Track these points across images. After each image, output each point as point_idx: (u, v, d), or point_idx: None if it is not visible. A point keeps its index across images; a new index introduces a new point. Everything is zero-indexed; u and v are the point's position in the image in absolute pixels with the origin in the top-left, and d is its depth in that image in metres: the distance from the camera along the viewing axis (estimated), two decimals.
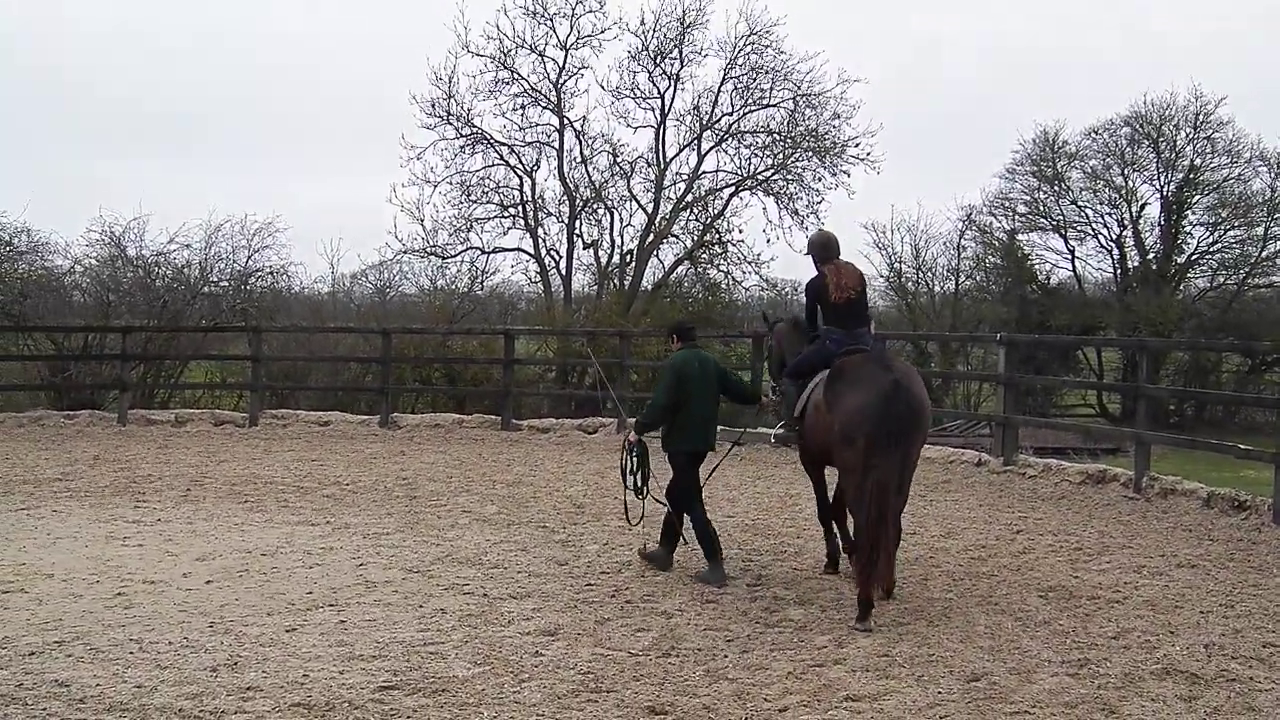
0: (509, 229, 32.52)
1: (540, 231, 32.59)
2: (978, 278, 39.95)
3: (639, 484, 10.45)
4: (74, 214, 64.18)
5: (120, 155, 67.74)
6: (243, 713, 6.62)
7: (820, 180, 31.98)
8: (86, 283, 28.97)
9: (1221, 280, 40.59)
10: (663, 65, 32.25)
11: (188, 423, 21.64)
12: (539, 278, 33.10)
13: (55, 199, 59.32)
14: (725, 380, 10.43)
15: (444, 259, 32.06)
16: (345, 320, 31.28)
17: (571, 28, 31.79)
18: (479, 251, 32.38)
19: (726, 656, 7.87)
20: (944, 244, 38.24)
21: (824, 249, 10.36)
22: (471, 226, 32.15)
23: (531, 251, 32.67)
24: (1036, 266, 40.92)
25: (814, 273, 10.30)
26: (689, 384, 10.11)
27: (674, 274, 32.80)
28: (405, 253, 32.18)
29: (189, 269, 28.64)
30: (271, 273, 29.44)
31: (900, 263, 36.60)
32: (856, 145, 31.57)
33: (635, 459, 10.45)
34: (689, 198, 32.49)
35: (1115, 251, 40.62)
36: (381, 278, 34.92)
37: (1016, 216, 40.09)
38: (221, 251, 28.78)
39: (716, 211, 32.55)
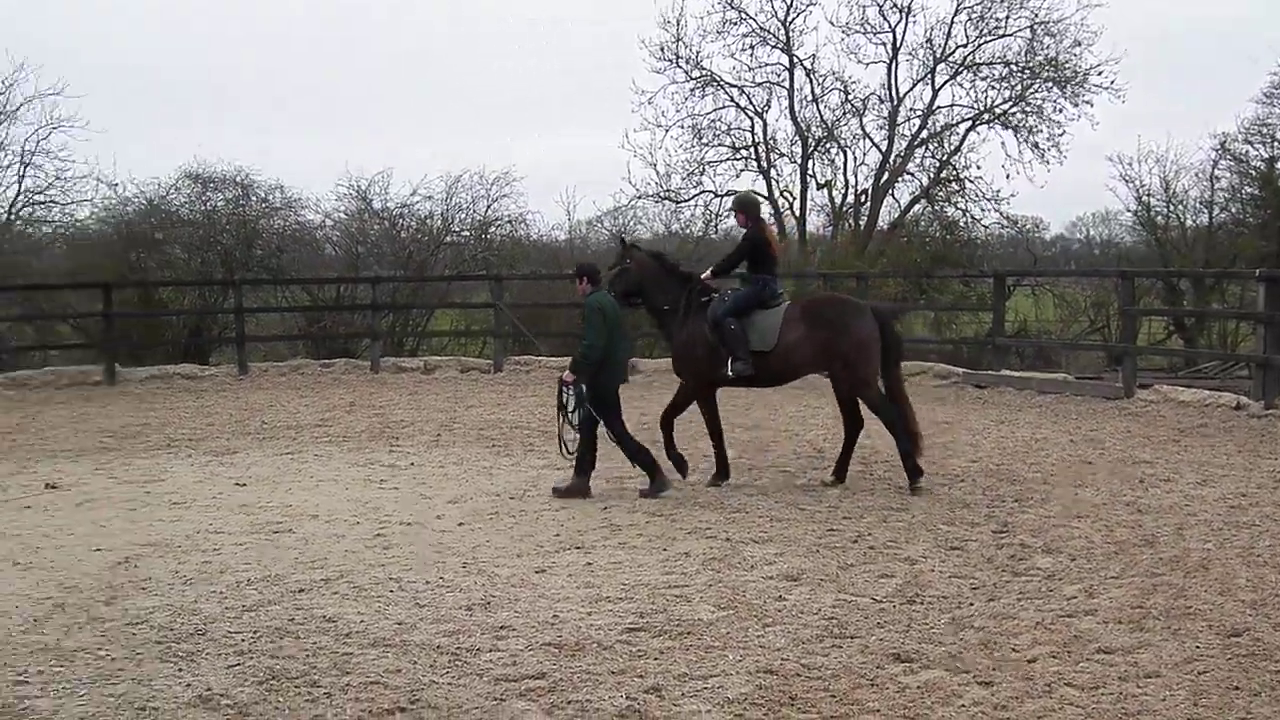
0: (741, 171, 32.36)
1: (773, 173, 32.30)
2: (1233, 210, 37.73)
3: (577, 420, 11.12)
4: (323, 171, 66.69)
5: (360, 117, 70.16)
6: (497, 650, 6.86)
7: (1061, 111, 30.71)
8: (337, 236, 30.32)
9: None
10: None
11: (436, 369, 22.49)
12: (773, 219, 32.86)
13: (306, 156, 61.83)
14: (624, 324, 11.44)
15: (678, 203, 32.11)
16: None
17: None
18: (712, 194, 32.30)
19: (972, 604, 7.76)
20: (1196, 175, 36.14)
21: (757, 207, 12.32)
22: (704, 169, 32.09)
23: (765, 193, 32.41)
24: None
25: (745, 226, 12.05)
26: (611, 323, 10.91)
27: (910, 213, 32.14)
28: (639, 198, 32.33)
29: (431, 220, 29.65)
30: (510, 221, 30.18)
31: (1149, 196, 34.80)
32: (1099, 73, 30.18)
33: (574, 398, 11.10)
34: (924, 134, 31.71)
35: None
36: (616, 223, 35.28)
37: (1276, 143, 37.67)
38: (462, 202, 29.69)
39: (953, 147, 31.66)
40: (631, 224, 34.44)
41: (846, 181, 32.33)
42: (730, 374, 11.65)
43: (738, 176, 32.28)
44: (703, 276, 12.20)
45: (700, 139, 31.88)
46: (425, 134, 66.81)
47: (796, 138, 31.98)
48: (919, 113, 31.76)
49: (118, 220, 27.95)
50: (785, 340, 11.60)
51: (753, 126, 32.13)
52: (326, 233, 30.31)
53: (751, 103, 32.02)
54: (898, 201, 32.13)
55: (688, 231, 32.02)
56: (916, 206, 32.01)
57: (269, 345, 27.13)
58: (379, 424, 16.23)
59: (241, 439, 15.12)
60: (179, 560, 9.02)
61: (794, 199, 32.41)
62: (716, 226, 32.77)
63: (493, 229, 29.92)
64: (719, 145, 32.09)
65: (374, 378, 22.12)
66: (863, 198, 32.18)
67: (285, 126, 65.23)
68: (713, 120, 31.96)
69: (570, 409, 11.18)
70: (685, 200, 32.27)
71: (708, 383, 12.00)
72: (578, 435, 11.20)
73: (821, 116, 31.88)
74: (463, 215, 29.86)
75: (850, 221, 32.20)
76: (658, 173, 32.22)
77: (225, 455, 13.94)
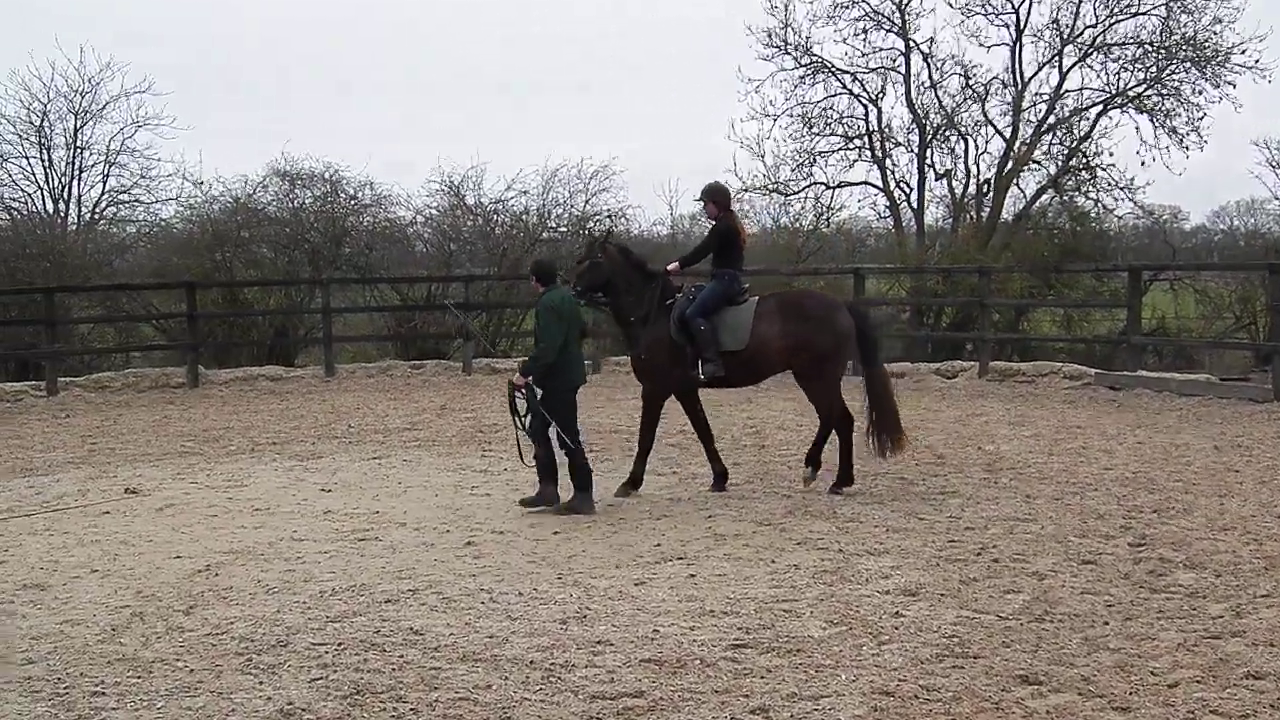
0: (854, 162, 32.10)
1: (888, 163, 32.01)
2: None
3: (529, 425, 11.04)
4: (414, 165, 67.37)
5: (457, 107, 71.01)
6: (593, 666, 6.83)
7: (1200, 93, 30.00)
8: (428, 233, 30.56)
9: None
10: None
11: None
12: (888, 212, 32.57)
13: (396, 151, 62.60)
14: (582, 320, 11.51)
15: (786, 196, 31.95)
16: None
17: None
18: (823, 186, 32.10)
19: (1107, 623, 7.56)
20: None
21: (727, 196, 12.37)
22: (814, 160, 31.90)
23: (879, 185, 32.14)
24: None
25: (714, 217, 12.20)
26: (566, 323, 10.95)
27: (1036, 203, 31.61)
28: (745, 190, 32.12)
29: (527, 216, 29.80)
30: (609, 216, 30.08)
31: None
32: (1242, 52, 29.42)
33: (526, 402, 11.00)
34: (1050, 120, 31.19)
35: None
36: None
37: None
38: (558, 197, 29.76)
39: (1082, 133, 31.08)
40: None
41: (968, 171, 31.94)
42: (701, 376, 11.77)
43: (850, 167, 32.06)
44: (668, 268, 12.34)
45: (810, 128, 31.71)
46: (519, 126, 67.33)
47: (913, 126, 31.68)
48: (1045, 97, 31.27)
49: (203, 219, 28.49)
50: (759, 337, 11.75)
51: (866, 114, 31.90)
52: (418, 230, 30.64)
53: (865, 90, 31.77)
54: (1023, 191, 31.66)
55: (797, 225, 31.82)
56: (1044, 197, 31.48)
57: (357, 346, 27.48)
58: (471, 428, 16.37)
59: (327, 443, 15.34)
60: (261, 569, 9.13)
61: (911, 190, 32.09)
62: (829, 219, 32.54)
63: (591, 224, 29.88)
64: (830, 134, 31.87)
65: (466, 379, 22.35)
66: (985, 188, 31.74)
67: (380, 123, 66.08)
68: (824, 108, 31.77)
69: (523, 413, 11.10)
70: (795, 193, 32.08)
71: (674, 387, 12.09)
72: (529, 440, 11.16)
73: (940, 103, 31.55)
74: (560, 210, 30.01)
75: (972, 213, 31.80)
76: (765, 164, 32.10)
77: (310, 460, 14.16)
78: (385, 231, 29.59)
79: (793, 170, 31.94)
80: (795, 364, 11.87)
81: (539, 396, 10.97)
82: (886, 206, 32.54)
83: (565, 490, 11.10)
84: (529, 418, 11.08)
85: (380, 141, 64.08)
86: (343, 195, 28.97)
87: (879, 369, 12.15)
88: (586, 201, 30.01)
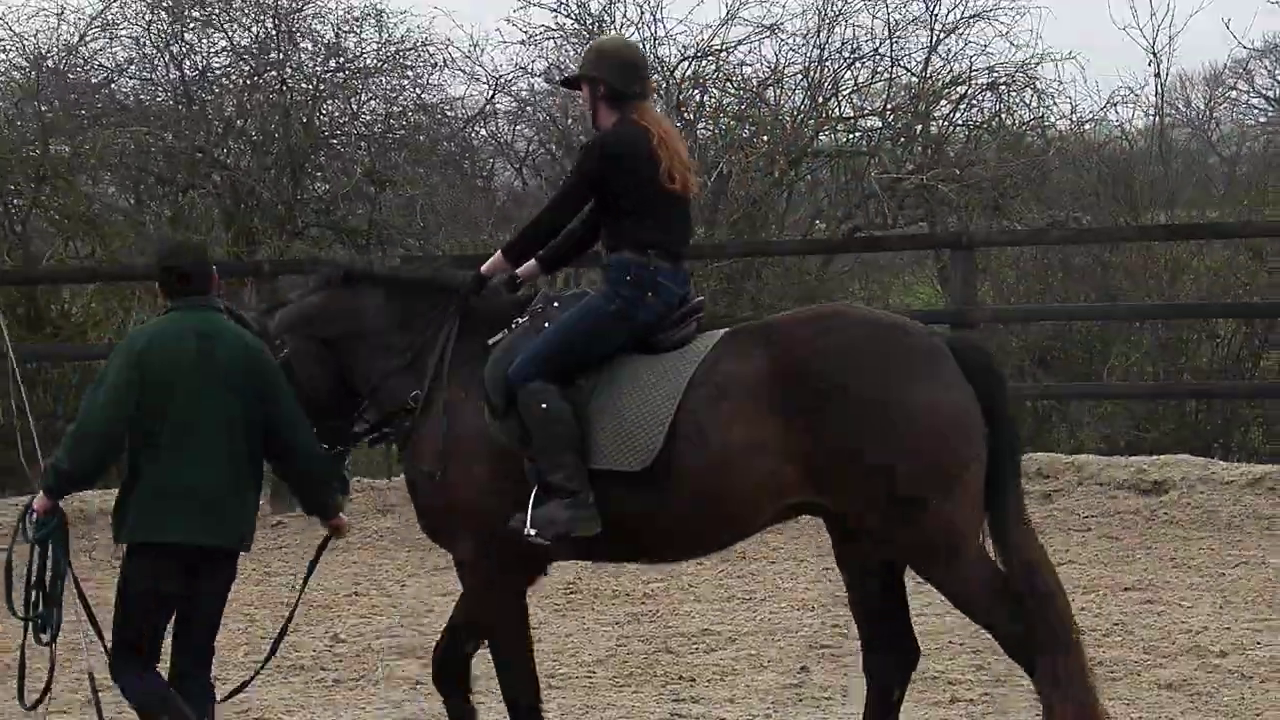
0: None
1: None
2: None
3: (44, 610, 10.73)
4: None
5: None
6: None
7: None
8: (526, 139, 30.29)
9: None
10: None
11: None
12: None
13: None
14: (275, 401, 10.66)
15: None
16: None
17: None
18: None
19: None
20: None
21: (631, 72, 11.53)
22: None
23: None
24: None
25: (597, 120, 11.53)
26: (165, 389, 10.39)
27: None
28: None
29: (781, 90, 29.19)
30: (1000, 83, 29.14)
31: None
32: None
33: (41, 554, 10.69)
34: None
35: None
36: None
37: None
38: (860, 39, 29.30)
39: None
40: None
41: None
42: (530, 531, 10.70)
43: None
44: (484, 268, 11.78)
45: None
46: None
47: None
48: None
49: None
50: (718, 439, 10.62)
51: None
52: (499, 131, 29.30)
53: None
54: None
55: None
56: None
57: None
58: (655, 637, 15.78)
59: (275, 685, 14.29)
60: None
61: None
62: None
63: (952, 111, 29.22)
64: None
65: None
66: None
67: None
68: None
69: (29, 580, 10.57)
70: None
71: (504, 556, 11.28)
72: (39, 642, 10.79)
73: None
74: (866, 73, 29.23)
75: None
76: None
77: None
78: (418, 139, 28.28)
79: None
80: (822, 494, 10.78)
81: (67, 539, 10.76)
82: None
83: None
84: (40, 593, 10.52)
85: None
86: (307, 45, 28.08)
87: (1014, 502, 10.94)
88: (934, 43, 27.84)
